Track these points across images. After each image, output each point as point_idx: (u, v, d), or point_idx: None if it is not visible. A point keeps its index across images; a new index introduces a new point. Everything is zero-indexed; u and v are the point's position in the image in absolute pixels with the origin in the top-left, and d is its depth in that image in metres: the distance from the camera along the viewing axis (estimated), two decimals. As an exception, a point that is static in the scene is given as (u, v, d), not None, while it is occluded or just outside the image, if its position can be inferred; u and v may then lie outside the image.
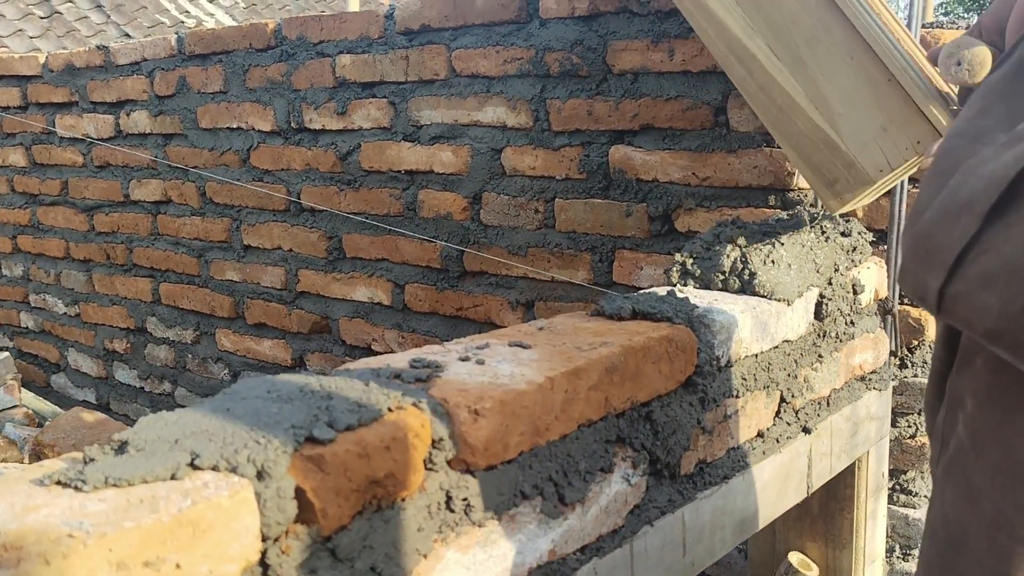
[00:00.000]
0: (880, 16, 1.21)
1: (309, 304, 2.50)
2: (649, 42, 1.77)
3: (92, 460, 0.66)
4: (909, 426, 1.77)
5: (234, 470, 0.66)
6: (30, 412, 2.67)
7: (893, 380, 1.69)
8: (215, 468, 0.66)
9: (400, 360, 0.92)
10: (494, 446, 0.82)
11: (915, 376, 1.75)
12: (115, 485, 0.63)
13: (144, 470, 0.64)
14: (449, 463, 0.81)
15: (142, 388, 3.07)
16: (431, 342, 2.24)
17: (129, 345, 3.06)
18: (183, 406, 2.65)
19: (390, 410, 0.77)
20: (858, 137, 1.24)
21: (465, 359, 0.93)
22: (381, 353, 2.35)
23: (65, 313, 3.27)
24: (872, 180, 1.26)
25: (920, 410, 1.75)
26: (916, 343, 1.73)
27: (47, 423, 2.51)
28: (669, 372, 1.04)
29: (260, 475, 0.66)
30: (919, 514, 1.78)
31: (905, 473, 1.79)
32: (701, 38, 1.38)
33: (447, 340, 2.21)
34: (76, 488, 0.63)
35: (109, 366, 3.17)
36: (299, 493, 0.68)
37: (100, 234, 3.04)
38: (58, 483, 0.64)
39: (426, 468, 0.78)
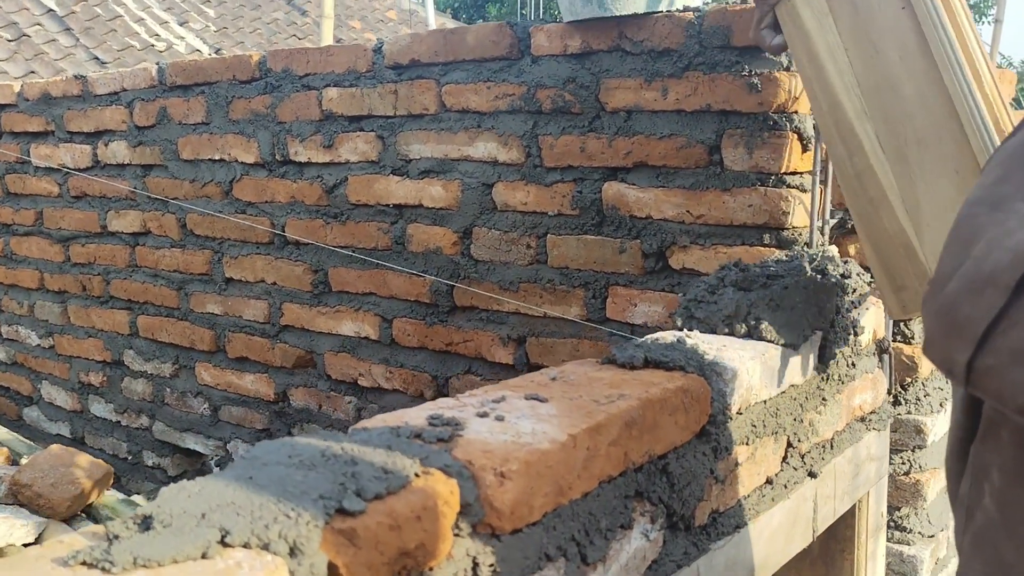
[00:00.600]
0: (994, 139, 1.17)
1: (293, 338, 2.47)
2: (642, 81, 1.78)
3: (117, 538, 0.64)
4: (903, 463, 1.77)
5: (266, 547, 0.64)
6: (5, 450, 2.60)
7: (888, 418, 1.69)
8: (246, 545, 0.64)
9: (417, 417, 0.90)
10: (520, 509, 0.81)
11: (908, 413, 1.75)
12: (144, 566, 0.60)
13: (174, 549, 0.62)
14: (475, 527, 0.79)
15: (118, 422, 3.00)
16: (420, 377, 2.22)
17: (105, 378, 3.00)
18: (161, 441, 2.58)
19: (417, 475, 0.75)
20: (939, 249, 1.22)
21: (483, 415, 0.91)
22: (368, 388, 2.33)
23: (39, 345, 3.20)
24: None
25: (914, 447, 1.76)
26: (909, 380, 1.74)
27: (23, 461, 2.44)
28: (685, 423, 1.03)
29: (293, 552, 0.64)
30: (913, 551, 1.78)
31: (899, 509, 1.79)
32: (811, 104, 1.32)
33: (436, 375, 2.19)
34: (103, 570, 0.60)
35: (84, 399, 3.10)
36: (331, 568, 0.66)
37: (76, 265, 2.98)
38: (83, 563, 0.61)
39: (453, 535, 0.77)
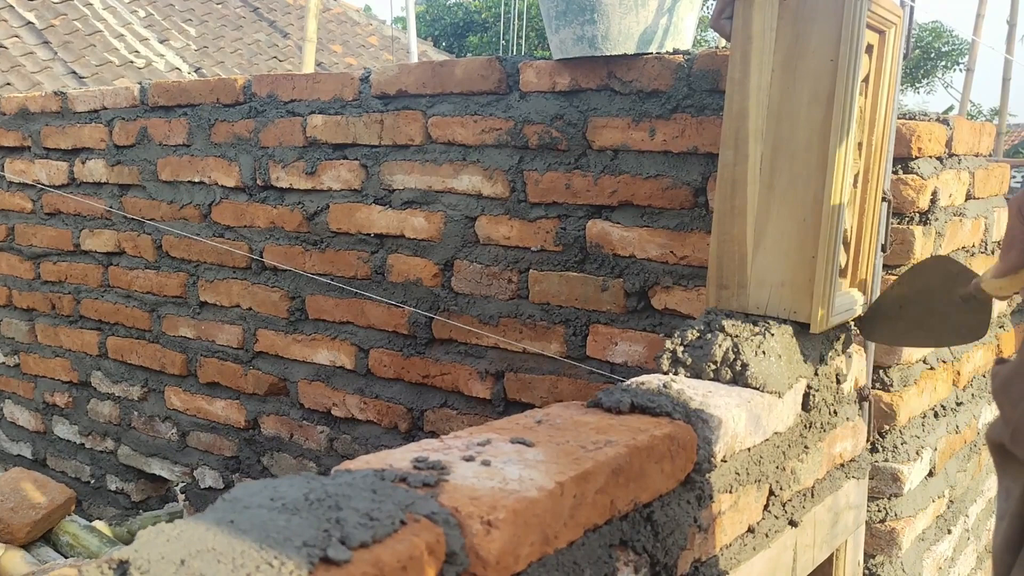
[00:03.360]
0: (843, 204, 1.30)
1: (267, 365, 2.43)
2: (630, 120, 1.78)
3: (91, 585, 0.61)
4: (879, 510, 1.77)
5: (247, 597, 0.61)
6: (-37, 470, 2.53)
7: (867, 466, 1.69)
8: (227, 595, 0.61)
9: (402, 459, 0.88)
10: (505, 559, 0.79)
11: (886, 460, 1.75)
12: (120, 617, 0.58)
13: (151, 599, 0.59)
14: (459, 577, 0.77)
15: (83, 444, 2.94)
16: (395, 409, 2.19)
17: (71, 399, 2.94)
18: (126, 466, 2.53)
19: (403, 523, 0.73)
20: (763, 274, 1.34)
21: (469, 459, 0.89)
22: (341, 418, 2.30)
23: (3, 363, 3.13)
24: (746, 309, 1.36)
25: (891, 495, 1.76)
26: (887, 428, 1.74)
27: (-18, 484, 2.38)
28: (671, 471, 1.02)
29: (275, 603, 0.62)
30: (887, 599, 1.78)
31: (874, 557, 1.78)
32: (725, 102, 1.38)
33: (412, 407, 2.16)
34: (76, 620, 0.58)
35: (48, 420, 3.03)
36: (314, 621, 0.64)
37: (46, 283, 2.93)
38: (55, 612, 0.59)
39: (438, 584, 0.74)
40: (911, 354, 1.73)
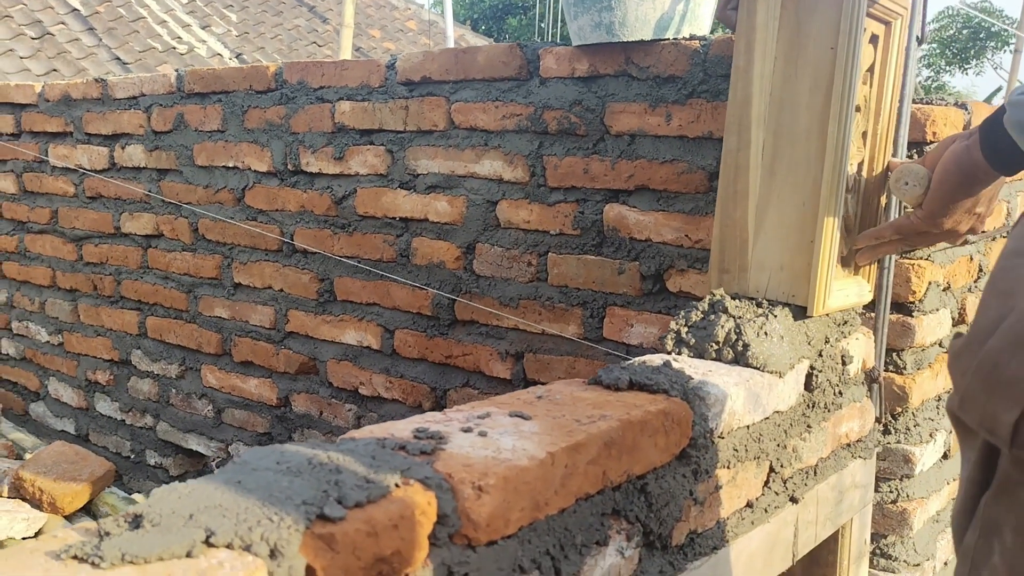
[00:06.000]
0: (842, 190, 1.33)
1: (297, 344, 2.51)
2: (647, 106, 1.81)
3: (108, 534, 0.67)
4: (891, 491, 1.79)
5: (248, 548, 0.67)
6: (10, 444, 2.65)
7: (877, 447, 1.72)
8: (229, 546, 0.67)
9: (404, 429, 0.93)
10: (496, 522, 0.84)
11: (898, 442, 1.78)
12: (131, 562, 0.64)
13: (160, 547, 0.65)
14: (451, 538, 0.82)
15: (123, 421, 3.05)
16: (419, 388, 2.25)
17: (112, 377, 3.05)
18: (165, 441, 2.63)
19: (397, 486, 0.79)
20: (763, 257, 1.38)
21: (467, 430, 0.95)
22: (368, 397, 2.37)
23: (48, 342, 3.26)
24: (747, 292, 1.40)
25: (902, 476, 1.78)
26: (900, 410, 1.76)
27: (27, 456, 2.49)
28: (665, 445, 1.06)
29: (273, 553, 0.68)
30: (898, 579, 1.80)
31: (885, 537, 1.81)
32: (730, 89, 1.42)
33: (435, 387, 2.22)
34: (93, 564, 0.64)
35: (90, 397, 3.15)
36: (309, 571, 0.70)
37: (88, 264, 3.04)
38: (75, 558, 0.65)
39: (430, 543, 0.80)
40: (924, 337, 1.75)
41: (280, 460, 0.81)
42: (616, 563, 1.01)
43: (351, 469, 0.79)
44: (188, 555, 0.65)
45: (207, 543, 0.67)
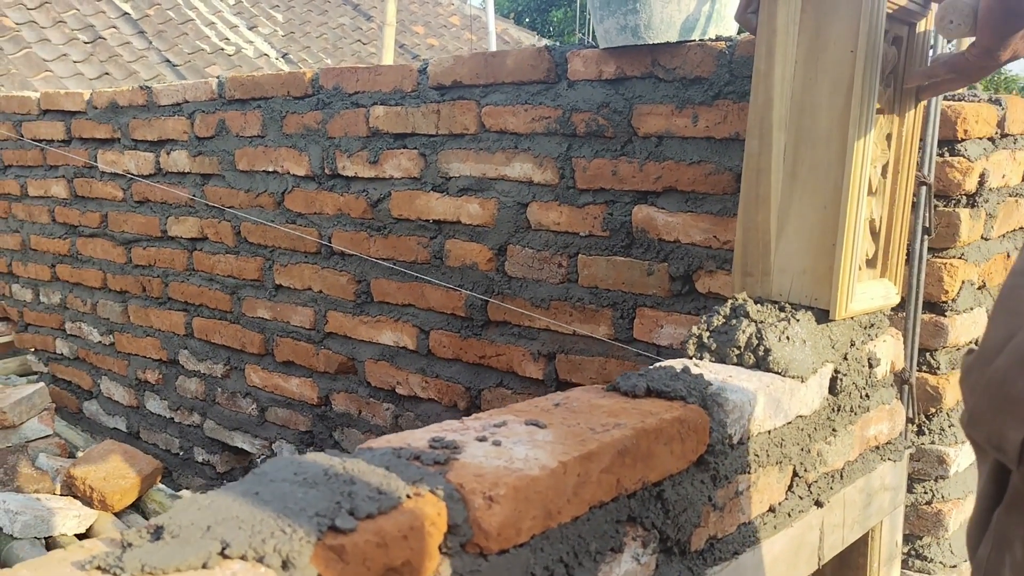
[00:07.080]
0: (863, 192, 1.33)
1: (336, 345, 2.55)
2: (674, 107, 1.82)
3: (130, 545, 0.71)
4: (925, 492, 1.78)
5: (261, 560, 0.70)
6: (63, 442, 2.74)
7: (910, 447, 1.70)
8: (243, 557, 0.70)
9: (421, 439, 0.96)
10: (507, 531, 0.86)
11: (932, 443, 1.76)
12: (150, 573, 0.67)
13: (178, 559, 0.68)
14: (463, 547, 0.84)
15: (172, 419, 3.13)
16: (454, 388, 2.28)
17: (161, 376, 3.14)
18: (211, 439, 2.69)
19: (408, 497, 0.81)
20: (786, 261, 1.38)
21: (482, 439, 0.97)
22: (405, 396, 2.41)
23: (100, 342, 3.36)
24: (769, 296, 1.40)
25: (937, 477, 1.77)
26: (934, 411, 1.75)
27: (79, 454, 2.57)
28: (681, 452, 1.07)
29: (285, 565, 0.71)
30: (934, 580, 1.79)
31: (920, 539, 1.79)
32: (751, 93, 1.42)
33: (469, 387, 2.25)
34: (114, 574, 0.67)
35: (141, 396, 3.24)
36: (320, 581, 0.73)
37: (137, 267, 3.12)
38: (98, 568, 0.69)
39: (441, 553, 0.82)
40: (958, 337, 1.73)
41: (297, 471, 0.84)
42: (632, 569, 1.02)
43: (365, 480, 0.82)
44: (204, 566, 0.69)
45: (222, 554, 0.70)
